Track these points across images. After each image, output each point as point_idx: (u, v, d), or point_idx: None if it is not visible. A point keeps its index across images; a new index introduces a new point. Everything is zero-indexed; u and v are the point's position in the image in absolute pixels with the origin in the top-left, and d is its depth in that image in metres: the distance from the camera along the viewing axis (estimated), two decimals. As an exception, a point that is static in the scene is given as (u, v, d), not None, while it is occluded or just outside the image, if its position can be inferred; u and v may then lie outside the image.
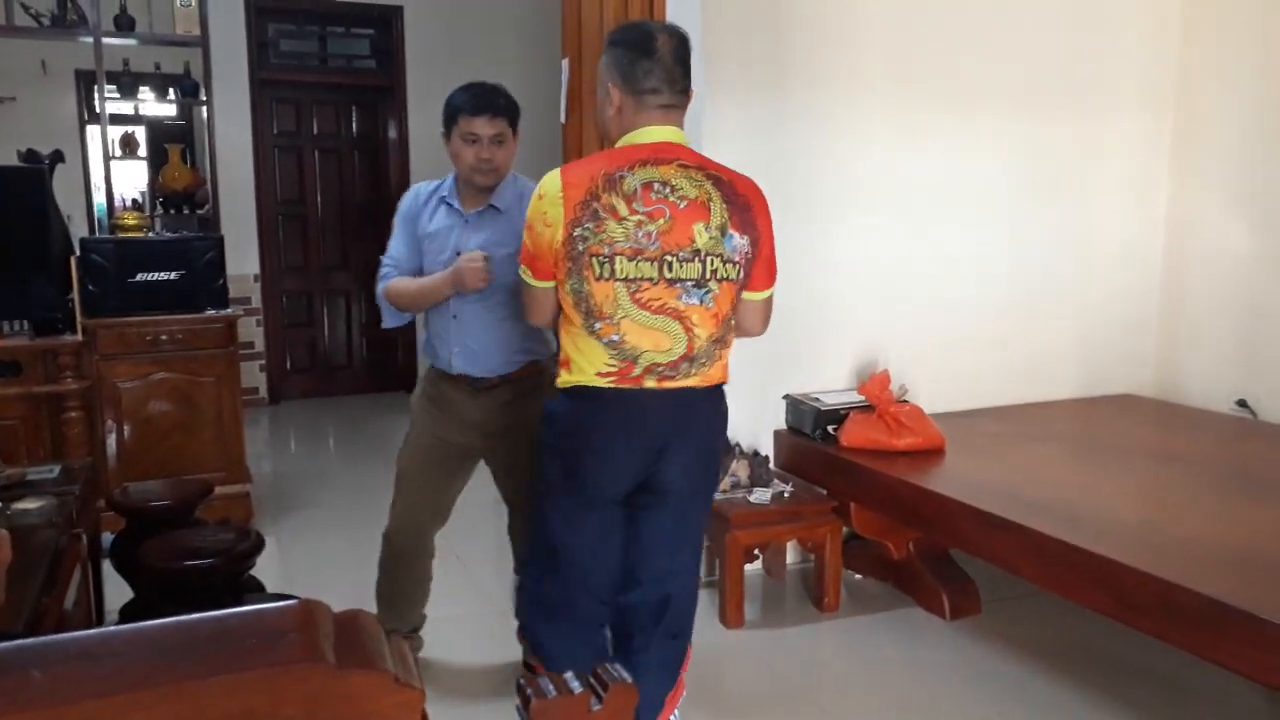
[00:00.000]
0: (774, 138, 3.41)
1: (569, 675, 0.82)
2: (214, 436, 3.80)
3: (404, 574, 2.75)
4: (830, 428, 3.29)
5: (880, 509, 3.12)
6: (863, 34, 3.49)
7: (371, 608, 3.26)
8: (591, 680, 0.82)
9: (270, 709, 0.63)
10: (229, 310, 3.87)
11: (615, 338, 1.94)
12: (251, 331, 6.29)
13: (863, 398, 3.31)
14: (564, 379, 2.05)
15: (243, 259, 6.19)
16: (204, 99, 6.07)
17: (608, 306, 1.93)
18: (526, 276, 2.05)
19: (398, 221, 2.59)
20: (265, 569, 3.49)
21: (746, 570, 3.19)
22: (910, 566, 3.26)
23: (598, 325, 1.94)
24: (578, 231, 1.91)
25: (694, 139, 3.42)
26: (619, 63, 2.00)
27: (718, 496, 3.14)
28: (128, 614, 2.98)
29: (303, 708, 0.64)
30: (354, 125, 6.70)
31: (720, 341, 2.03)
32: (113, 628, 0.63)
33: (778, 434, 3.50)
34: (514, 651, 2.63)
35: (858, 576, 3.49)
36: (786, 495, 3.20)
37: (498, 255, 2.38)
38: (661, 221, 1.90)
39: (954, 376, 3.75)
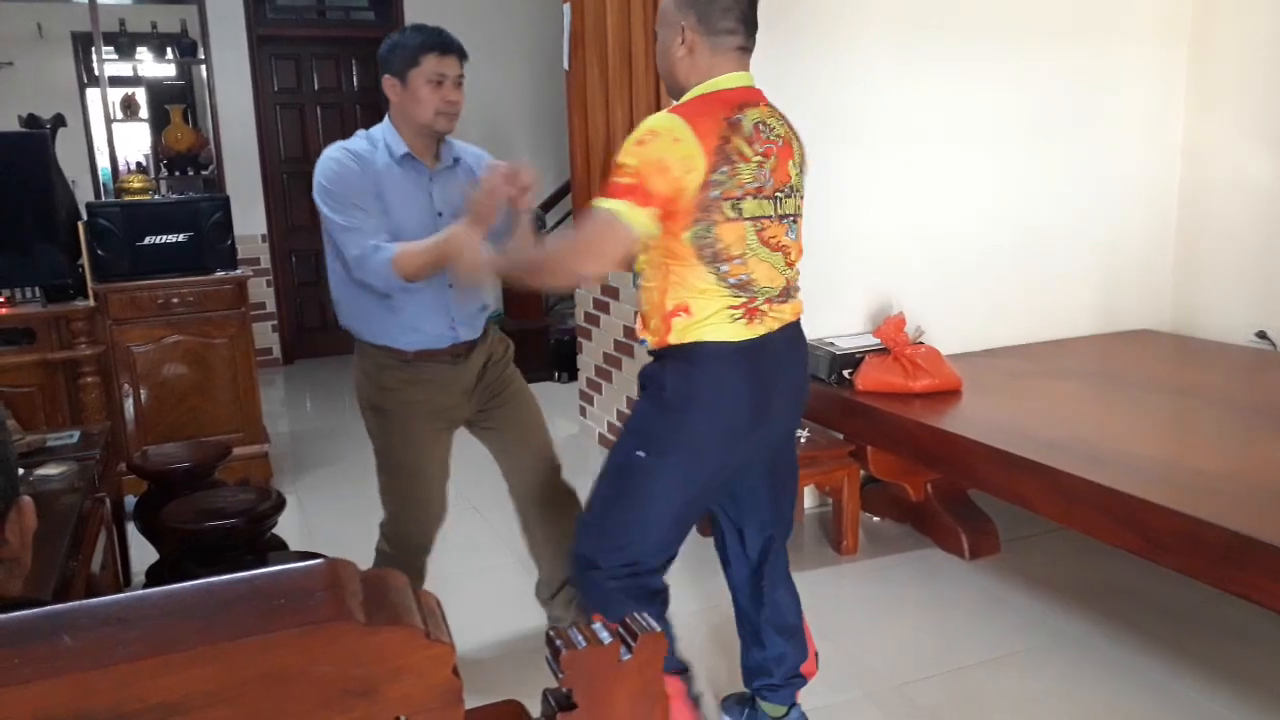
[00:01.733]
0: (778, 81, 3.30)
1: (598, 625, 0.82)
2: (230, 398, 3.81)
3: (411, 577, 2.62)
4: (846, 372, 3.28)
5: (897, 452, 3.12)
6: (871, -32, 3.41)
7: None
8: (621, 630, 0.81)
9: (303, 667, 0.62)
10: (238, 271, 3.86)
11: (745, 277, 1.91)
12: (262, 292, 6.29)
13: (878, 341, 3.28)
14: (683, 330, 1.92)
15: (250, 219, 6.16)
16: (202, 58, 6.01)
17: (736, 247, 1.89)
18: (635, 217, 1.81)
19: (349, 198, 2.21)
20: (287, 527, 3.53)
21: (765, 516, 3.20)
22: (928, 508, 3.26)
23: (725, 267, 1.89)
24: (715, 177, 1.84)
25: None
26: (694, 2, 1.91)
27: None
28: (153, 575, 3.02)
29: (335, 665, 0.64)
30: (355, 79, 6.62)
31: (799, 274, 2.06)
32: (141, 591, 0.62)
33: (793, 379, 3.48)
34: (536, 604, 2.65)
35: (876, 519, 3.50)
36: (803, 440, 3.19)
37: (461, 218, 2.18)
38: (772, 160, 1.92)
39: (970, 316, 3.72)
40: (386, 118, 2.32)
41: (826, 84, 3.40)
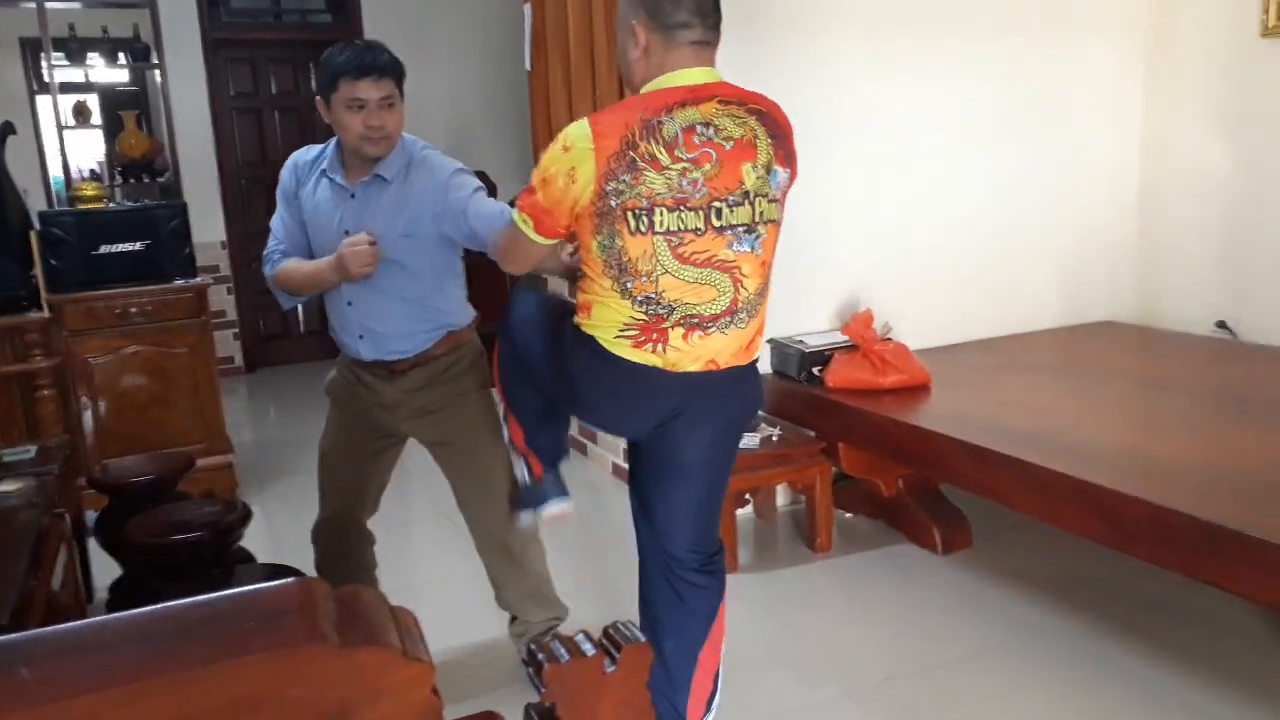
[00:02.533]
0: (747, 76, 3.32)
1: (580, 637, 0.80)
2: (191, 408, 3.74)
3: (345, 572, 2.56)
4: (816, 369, 3.28)
5: (869, 447, 3.12)
6: (833, -35, 3.41)
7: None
8: (604, 641, 0.79)
9: (275, 692, 0.60)
10: (198, 279, 3.79)
11: (651, 295, 1.77)
12: (223, 300, 6.19)
13: (846, 338, 3.29)
14: (583, 323, 1.89)
15: (208, 226, 6.06)
16: (156, 63, 5.90)
17: (644, 263, 1.75)
18: (526, 228, 1.82)
19: (279, 198, 2.36)
20: (254, 539, 3.46)
21: (739, 514, 3.20)
22: (901, 503, 3.27)
23: (631, 284, 1.77)
24: (611, 186, 1.72)
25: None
26: None
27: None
28: (117, 591, 2.95)
29: (309, 689, 0.61)
30: (313, 82, 6.51)
31: (762, 294, 1.89)
32: (103, 618, 0.59)
33: (764, 378, 3.47)
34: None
35: (849, 515, 3.50)
36: (775, 439, 3.19)
37: (389, 234, 2.17)
38: (708, 167, 1.74)
39: (937, 311, 3.74)
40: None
41: (792, 79, 3.39)
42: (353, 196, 2.23)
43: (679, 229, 1.75)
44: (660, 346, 1.82)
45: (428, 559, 3.48)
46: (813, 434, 3.24)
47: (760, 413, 3.39)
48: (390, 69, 2.16)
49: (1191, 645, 2.56)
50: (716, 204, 1.77)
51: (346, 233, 2.20)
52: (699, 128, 1.75)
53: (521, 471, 2.26)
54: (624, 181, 1.72)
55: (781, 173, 1.87)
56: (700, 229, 1.76)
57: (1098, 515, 2.29)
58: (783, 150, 1.87)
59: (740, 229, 1.80)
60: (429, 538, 3.65)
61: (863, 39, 3.50)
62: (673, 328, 1.80)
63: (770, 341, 3.44)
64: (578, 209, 1.77)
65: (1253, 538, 1.95)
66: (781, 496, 3.52)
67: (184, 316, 3.71)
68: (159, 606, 0.61)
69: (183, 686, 0.56)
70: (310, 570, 3.05)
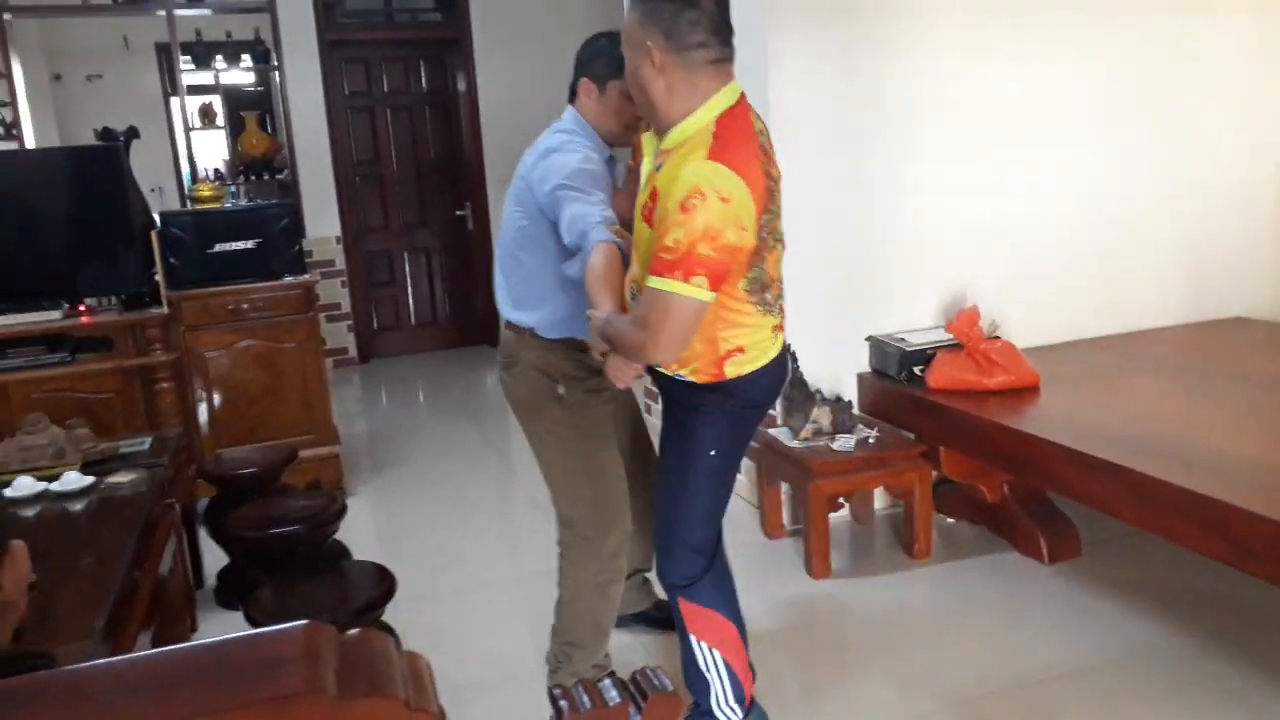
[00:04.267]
0: (845, 66, 3.24)
1: (606, 684, 0.77)
2: (300, 400, 3.86)
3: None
4: (917, 368, 3.17)
5: (971, 452, 3.00)
6: (938, -53, 3.27)
7: (444, 565, 3.30)
8: (631, 688, 0.76)
9: (270, 745, 0.59)
10: (306, 276, 3.91)
11: (780, 292, 1.94)
12: (337, 293, 6.39)
13: (950, 336, 3.16)
14: (738, 367, 1.89)
15: (324, 222, 6.27)
16: (275, 64, 6.12)
17: (774, 269, 1.88)
18: (699, 293, 1.71)
19: (590, 184, 2.09)
20: (358, 529, 3.59)
21: (833, 518, 3.12)
22: (1005, 509, 3.13)
23: (768, 295, 1.88)
24: (765, 219, 1.79)
25: (759, 73, 3.29)
26: (657, 16, 1.74)
27: (797, 445, 3.06)
28: (223, 578, 3.08)
29: (307, 741, 0.60)
30: (423, 80, 6.66)
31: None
32: (106, 660, 0.60)
33: (861, 377, 3.38)
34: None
35: (950, 520, 3.38)
36: (871, 441, 3.10)
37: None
38: (776, 173, 1.88)
39: (1048, 308, 3.56)
40: (574, 113, 2.25)
41: (892, 65, 3.28)
42: (612, 176, 2.29)
43: (781, 234, 1.91)
44: (783, 328, 2.01)
45: (530, 550, 3.50)
46: (912, 436, 3.13)
47: (856, 413, 3.30)
48: None
49: (1323, 673, 2.37)
50: (777, 205, 1.90)
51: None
52: (765, 137, 1.89)
53: (726, 700, 2.12)
54: (772, 211, 1.83)
55: None
56: (779, 232, 1.92)
57: (1214, 532, 2.14)
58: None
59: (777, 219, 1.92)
60: (530, 529, 3.69)
61: (970, 21, 3.34)
62: (781, 308, 1.98)
63: (869, 339, 3.34)
64: (740, 257, 1.76)
65: (1391, 565, 1.79)
66: (879, 500, 3.42)
67: (293, 312, 3.83)
68: (161, 650, 0.61)
69: (175, 737, 0.56)
70: (408, 563, 3.13)
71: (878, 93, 3.27)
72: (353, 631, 0.66)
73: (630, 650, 2.64)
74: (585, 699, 0.74)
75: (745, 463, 3.71)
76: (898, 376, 3.20)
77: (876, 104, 3.27)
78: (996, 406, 2.92)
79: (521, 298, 2.30)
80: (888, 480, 3.09)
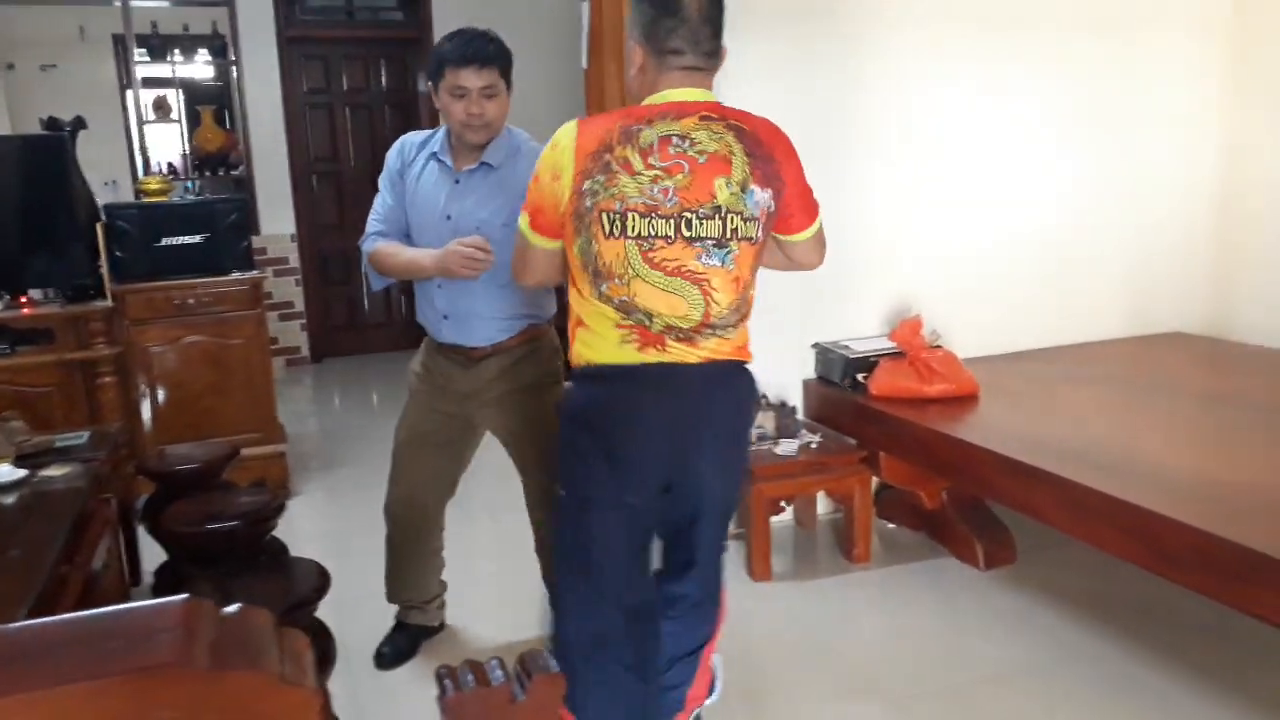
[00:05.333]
0: (799, 75, 3.28)
1: (493, 664, 0.78)
2: (246, 398, 3.83)
3: (411, 550, 2.67)
4: (860, 376, 3.21)
5: (911, 458, 3.04)
6: (889, -38, 3.33)
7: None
8: (517, 669, 0.77)
9: (138, 714, 0.59)
10: (255, 272, 3.87)
11: (625, 299, 1.79)
12: (291, 291, 6.34)
13: (893, 344, 3.21)
14: (578, 353, 1.88)
15: (279, 219, 6.22)
16: (233, 59, 6.07)
17: (618, 266, 1.77)
18: (525, 229, 1.88)
19: (384, 179, 2.42)
20: (301, 528, 3.56)
21: (777, 522, 3.16)
22: (943, 515, 3.18)
23: (605, 286, 1.79)
24: (587, 185, 1.76)
25: (716, 80, 3.31)
26: (641, 19, 1.84)
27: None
28: (161, 576, 3.04)
29: (179, 713, 0.60)
30: (383, 79, 6.64)
31: (739, 311, 1.87)
32: (-26, 631, 0.60)
33: (806, 384, 3.42)
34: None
35: (891, 526, 3.42)
36: (814, 446, 3.13)
37: (491, 221, 2.26)
38: (680, 177, 1.75)
39: (992, 319, 3.62)
40: None
41: (840, 80, 3.32)
42: (457, 182, 2.33)
43: (650, 234, 1.77)
44: (661, 349, 1.82)
45: (479, 555, 3.49)
46: (854, 442, 3.17)
47: (800, 418, 3.34)
48: (494, 58, 2.24)
49: (1236, 678, 2.43)
50: (687, 214, 1.77)
51: (449, 217, 2.30)
52: (675, 139, 1.77)
53: None
54: (598, 182, 1.77)
55: (760, 193, 1.82)
56: (670, 237, 1.77)
57: (1137, 539, 2.19)
58: (763, 171, 1.82)
59: (710, 242, 1.79)
60: (479, 534, 3.68)
61: (917, 36, 3.40)
62: (664, 333, 1.81)
63: (814, 346, 3.38)
64: (561, 209, 1.81)
65: (1299, 570, 1.84)
66: (823, 505, 3.45)
67: (240, 308, 3.80)
68: (28, 623, 0.61)
69: (36, 707, 0.56)
70: (350, 563, 3.11)
71: (826, 106, 3.32)
72: (233, 608, 0.67)
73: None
74: (470, 678, 0.75)
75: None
76: (841, 383, 3.24)
77: (825, 118, 3.32)
78: (936, 414, 2.97)
79: None
80: (829, 485, 3.13)
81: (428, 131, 2.44)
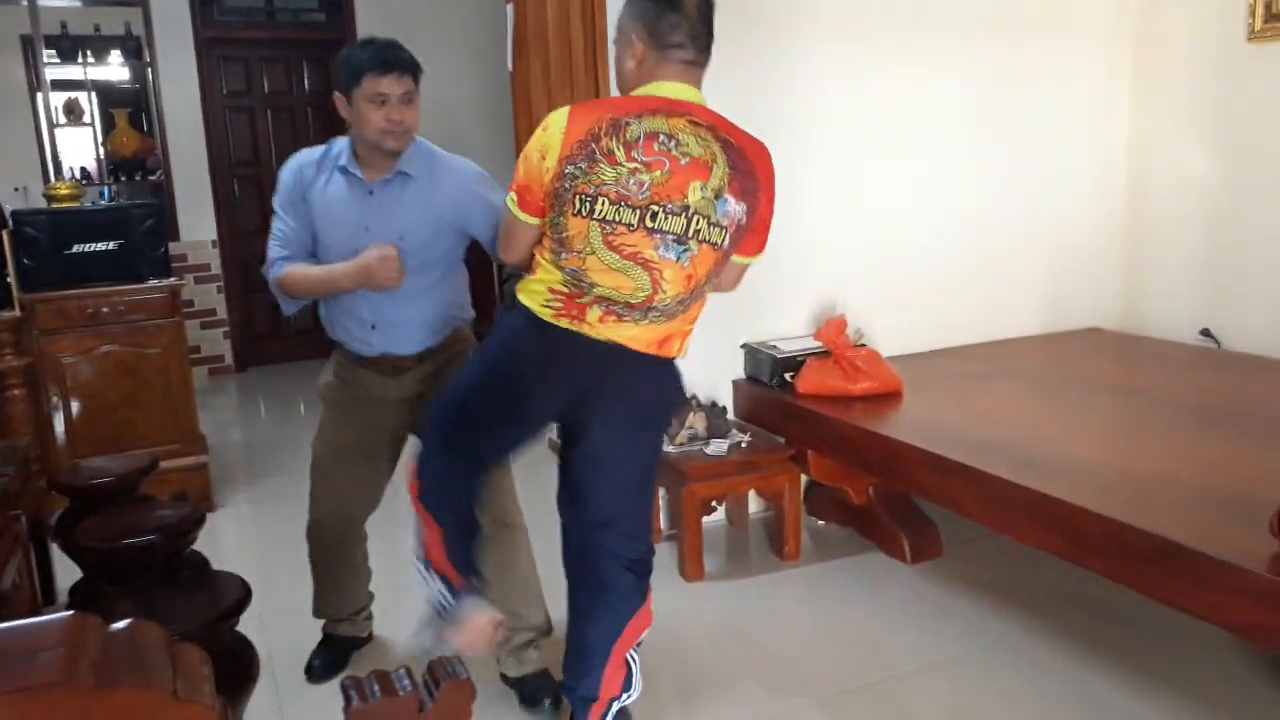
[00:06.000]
0: (720, 77, 3.27)
1: (400, 673, 0.76)
2: (165, 408, 3.72)
3: (336, 565, 2.62)
4: (787, 375, 3.24)
5: (838, 456, 3.08)
6: (810, -34, 3.37)
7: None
8: (425, 676, 0.76)
9: (19, 738, 0.56)
10: (172, 279, 3.77)
11: (577, 269, 1.89)
12: (213, 299, 6.19)
13: (819, 344, 3.25)
14: (522, 288, 2.01)
15: (199, 224, 6.07)
16: (148, 60, 5.90)
17: (578, 242, 1.88)
18: (513, 207, 1.96)
19: (280, 203, 2.34)
20: (225, 542, 3.47)
21: (709, 522, 3.17)
22: (871, 511, 3.22)
23: (563, 256, 1.90)
24: (569, 169, 1.85)
25: (614, 87, 3.32)
26: (643, 14, 1.93)
27: (673, 450, 3.09)
28: (75, 594, 2.94)
29: (64, 734, 0.58)
30: (306, 81, 6.52)
31: (683, 304, 1.96)
32: None
33: (736, 384, 3.44)
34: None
35: (820, 523, 3.46)
36: (744, 445, 3.16)
37: (417, 231, 2.24)
38: (658, 174, 1.84)
39: (915, 317, 3.69)
40: (345, 136, 2.32)
41: (763, 79, 3.35)
42: (370, 193, 2.27)
43: (614, 220, 1.85)
44: (577, 320, 1.92)
45: (400, 566, 3.44)
46: (783, 441, 3.20)
47: (731, 418, 3.36)
48: (411, 66, 2.23)
49: (1155, 664, 2.51)
50: (654, 208, 1.86)
51: (367, 229, 2.24)
52: (662, 137, 1.85)
53: (437, 589, 2.10)
54: (580, 168, 1.84)
55: (733, 204, 1.90)
56: (633, 225, 1.86)
57: (1055, 530, 2.25)
58: (741, 185, 1.91)
59: (670, 237, 1.88)
60: (404, 544, 3.62)
61: (839, 39, 3.45)
62: (590, 305, 1.91)
63: (743, 346, 3.41)
64: (544, 187, 1.88)
65: (1208, 556, 1.91)
66: (754, 503, 3.48)
67: (158, 316, 3.69)
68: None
69: (-94, 733, 0.54)
70: (276, 577, 3.04)
71: (750, 107, 3.32)
72: (121, 623, 0.64)
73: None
74: (376, 688, 0.73)
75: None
76: (770, 383, 3.27)
77: (748, 120, 3.27)
78: (861, 412, 3.01)
79: None
80: (759, 484, 3.15)
81: (320, 148, 2.35)
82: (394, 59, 2.18)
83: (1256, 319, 3.58)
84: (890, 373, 3.14)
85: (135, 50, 6.04)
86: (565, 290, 1.92)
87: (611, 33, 3.38)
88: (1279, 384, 3.16)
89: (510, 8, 4.25)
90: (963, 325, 3.81)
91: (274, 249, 2.36)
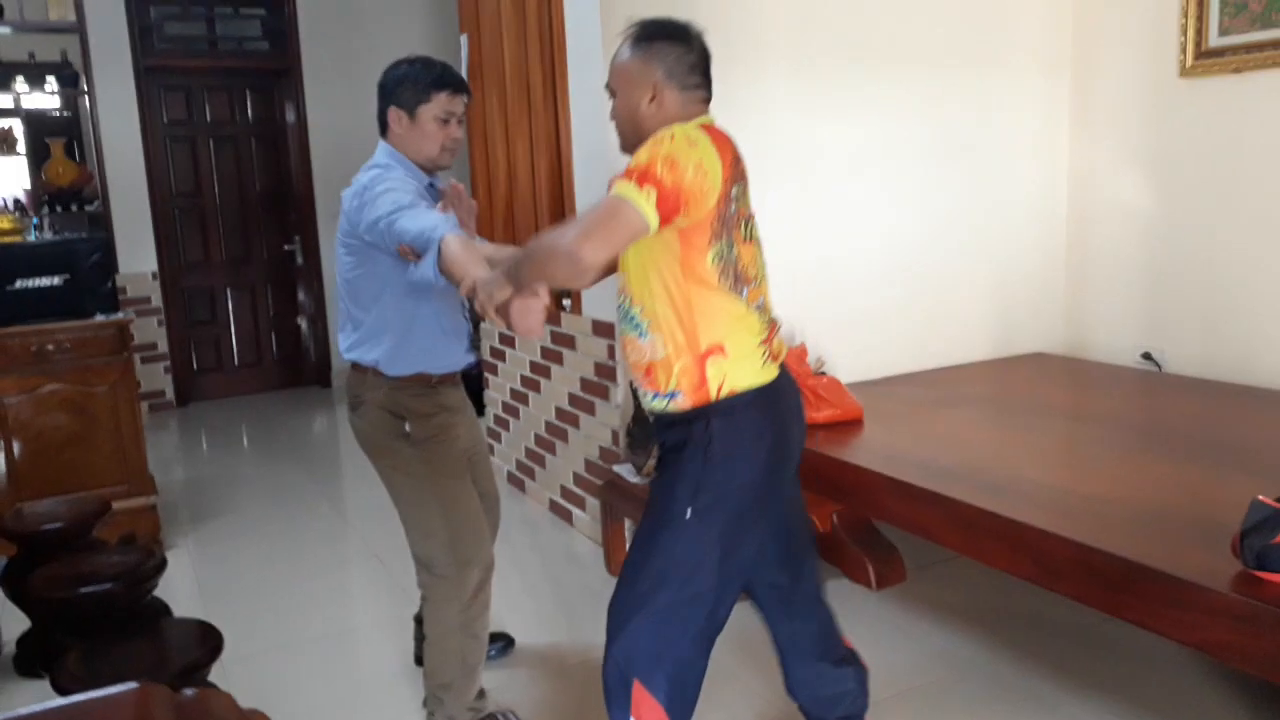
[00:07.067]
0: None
1: None
2: (113, 448, 3.62)
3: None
4: (750, 404, 3.26)
5: (804, 483, 3.10)
6: (761, 2, 3.43)
7: (281, 618, 3.15)
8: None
9: (97, 821, 0.55)
10: (120, 314, 3.68)
11: (762, 301, 1.90)
12: (154, 332, 6.04)
13: (781, 372, 3.28)
14: (719, 376, 1.81)
15: (139, 256, 5.94)
16: (85, 89, 5.76)
17: (753, 269, 1.88)
18: (646, 203, 1.68)
19: (414, 192, 2.13)
20: (176, 586, 3.37)
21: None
22: (835, 538, 3.26)
23: (745, 290, 1.86)
24: (734, 191, 1.82)
25: (597, 124, 3.36)
26: (663, 57, 1.92)
27: (641, 481, 3.10)
28: (25, 644, 2.83)
29: (139, 812, 0.56)
30: (249, 111, 6.43)
31: None
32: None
33: (699, 413, 3.46)
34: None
35: (785, 550, 3.48)
36: (710, 475, 3.17)
37: None
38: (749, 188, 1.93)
39: (868, 345, 3.76)
40: (386, 146, 2.28)
41: (728, 117, 3.39)
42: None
43: (759, 239, 1.93)
44: (776, 356, 1.94)
45: (365, 601, 3.40)
46: (748, 470, 3.22)
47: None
48: (470, 90, 2.32)
49: (1120, 682, 2.58)
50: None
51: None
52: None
53: None
54: (739, 189, 1.85)
55: None
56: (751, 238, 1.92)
57: (1023, 553, 2.29)
58: None
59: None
60: (365, 580, 3.57)
61: (789, 73, 3.51)
62: (776, 335, 1.96)
63: (705, 376, 3.43)
64: (699, 211, 1.75)
65: (1169, 576, 1.97)
66: (718, 532, 3.49)
67: (105, 353, 3.59)
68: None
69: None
70: (237, 620, 2.96)
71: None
72: (188, 691, 0.63)
73: (502, 690, 2.57)
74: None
75: (591, 501, 3.74)
76: (733, 412, 3.29)
77: None
78: (824, 439, 3.05)
79: (364, 338, 2.25)
80: (726, 513, 3.16)
81: (380, 164, 2.24)
82: (462, 81, 2.27)
83: (1194, 343, 3.72)
84: (851, 400, 3.19)
85: (71, 78, 5.90)
86: (765, 330, 1.89)
87: (574, 72, 3.43)
88: (1220, 406, 3.28)
89: (465, 37, 4.25)
90: (914, 352, 3.89)
91: (437, 219, 2.01)
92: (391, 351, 2.21)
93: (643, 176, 1.70)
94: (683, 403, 1.84)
